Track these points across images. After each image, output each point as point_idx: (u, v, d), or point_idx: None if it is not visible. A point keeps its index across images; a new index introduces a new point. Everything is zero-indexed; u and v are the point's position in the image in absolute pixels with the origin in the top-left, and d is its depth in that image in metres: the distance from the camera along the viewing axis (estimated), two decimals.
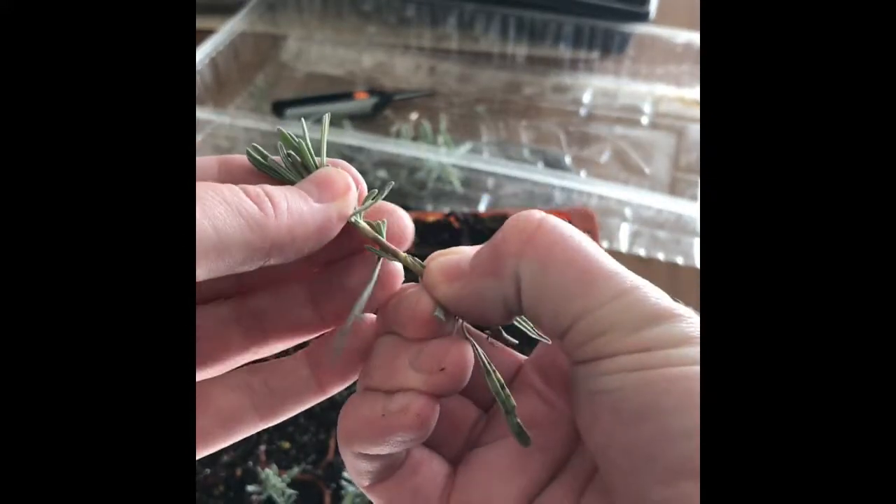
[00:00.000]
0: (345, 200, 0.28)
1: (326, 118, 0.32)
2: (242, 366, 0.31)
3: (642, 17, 1.01)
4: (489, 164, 0.79)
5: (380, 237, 0.29)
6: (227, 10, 1.05)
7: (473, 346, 0.28)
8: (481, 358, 0.28)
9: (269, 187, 0.27)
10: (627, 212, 0.78)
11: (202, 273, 0.24)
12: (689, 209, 0.73)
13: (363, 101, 0.98)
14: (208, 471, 0.62)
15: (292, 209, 0.26)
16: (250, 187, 0.26)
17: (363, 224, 0.29)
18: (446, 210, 0.77)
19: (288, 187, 0.27)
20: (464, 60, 1.08)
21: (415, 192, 0.84)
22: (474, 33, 1.08)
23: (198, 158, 0.29)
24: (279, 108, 0.97)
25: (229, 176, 0.29)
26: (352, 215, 0.29)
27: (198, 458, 0.28)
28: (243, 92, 1.02)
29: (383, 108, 1.00)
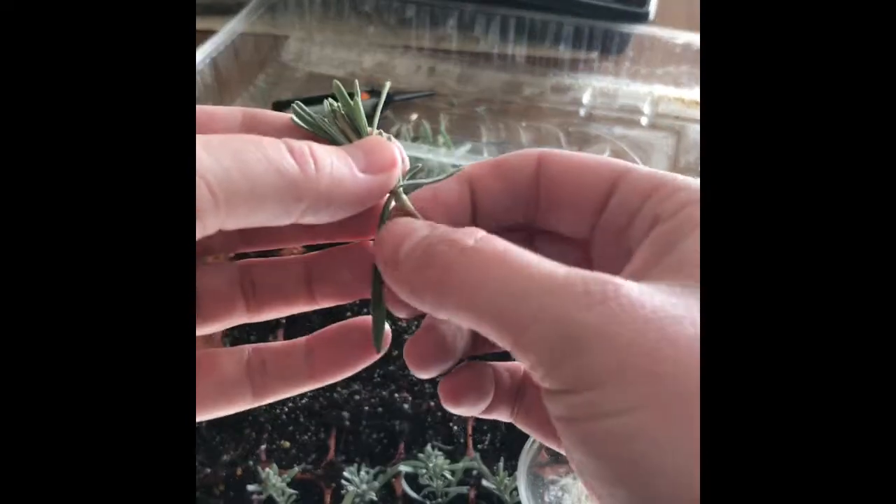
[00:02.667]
0: (390, 174, 0.28)
1: (387, 85, 0.32)
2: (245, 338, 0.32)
3: (642, 17, 1.01)
4: None
5: (417, 214, 0.29)
6: (228, 11, 1.05)
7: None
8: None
9: (315, 146, 0.26)
10: None
11: (234, 223, 0.24)
12: None
13: (363, 101, 0.99)
14: (208, 470, 0.62)
15: (335, 174, 0.26)
16: (295, 143, 0.26)
17: (405, 199, 0.29)
18: None
19: (335, 149, 0.27)
20: (464, 61, 1.08)
21: None
22: (474, 34, 1.08)
23: (219, 108, 0.29)
24: (280, 109, 0.97)
25: (255, 130, 0.28)
26: (393, 189, 0.29)
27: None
28: (244, 92, 1.02)
29: (383, 109, 1.00)
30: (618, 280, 0.23)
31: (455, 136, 0.91)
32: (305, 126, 0.29)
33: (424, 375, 0.31)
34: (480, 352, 0.32)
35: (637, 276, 0.24)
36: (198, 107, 0.29)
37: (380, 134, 0.30)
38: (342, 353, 0.32)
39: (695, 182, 0.26)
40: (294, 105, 0.29)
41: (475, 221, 0.30)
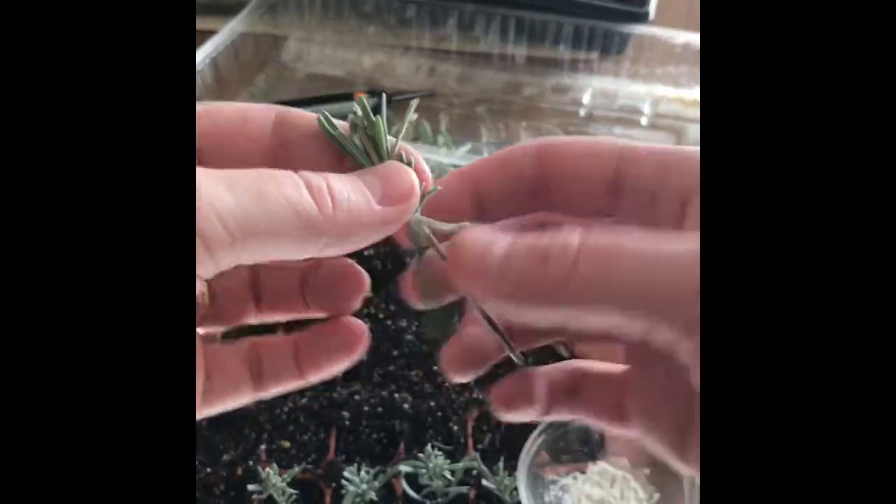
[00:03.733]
0: (406, 205, 0.28)
1: (414, 102, 0.32)
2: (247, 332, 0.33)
3: (642, 17, 1.01)
4: None
5: (435, 242, 0.29)
6: (228, 11, 1.05)
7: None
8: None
9: (332, 180, 0.26)
10: None
11: (250, 258, 0.25)
12: None
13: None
14: (209, 470, 0.62)
15: (352, 209, 0.26)
16: (314, 180, 0.26)
17: (424, 228, 0.29)
18: None
19: (352, 180, 0.27)
20: (464, 61, 1.08)
21: None
22: (474, 34, 1.08)
23: (254, 107, 0.29)
24: None
25: (284, 135, 0.29)
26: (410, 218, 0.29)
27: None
28: (243, 92, 1.02)
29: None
30: None
31: (455, 136, 0.91)
32: (329, 138, 0.29)
33: (461, 380, 0.32)
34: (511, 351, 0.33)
35: None
36: (231, 106, 0.29)
37: (400, 158, 0.30)
38: (325, 352, 0.32)
39: (692, 149, 0.28)
40: (320, 116, 0.29)
41: (480, 219, 0.30)
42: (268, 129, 0.29)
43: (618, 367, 0.32)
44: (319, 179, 0.26)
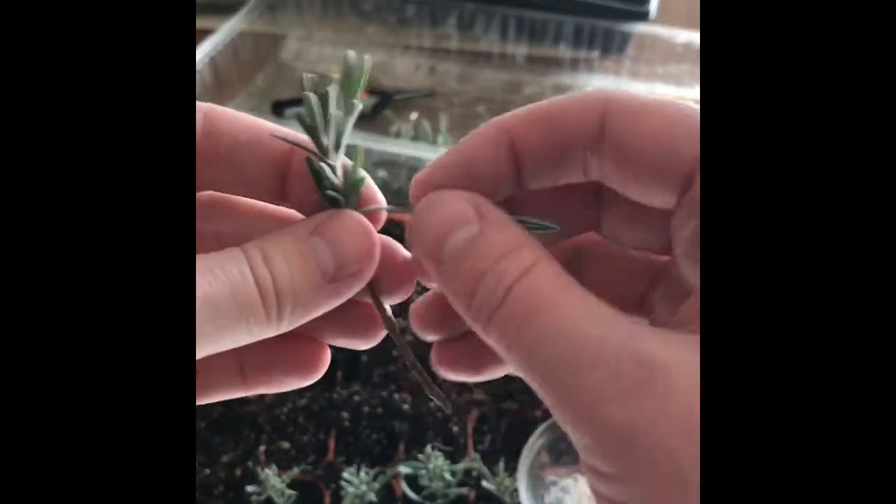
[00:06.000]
0: (362, 273, 0.26)
1: (361, 153, 0.27)
2: None
3: (642, 16, 1.01)
4: None
5: (389, 312, 0.28)
6: (227, 10, 1.04)
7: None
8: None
9: (276, 267, 0.24)
10: None
11: (204, 351, 0.23)
12: None
13: (363, 100, 0.98)
14: (208, 471, 0.62)
15: (298, 298, 0.25)
16: (259, 275, 0.24)
17: (378, 298, 0.27)
18: None
19: (299, 255, 0.25)
20: (464, 60, 1.08)
21: None
22: (474, 33, 1.08)
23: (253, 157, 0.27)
24: (279, 108, 0.97)
25: (214, 140, 0.27)
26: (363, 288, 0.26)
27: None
28: (243, 92, 1.02)
29: (383, 108, 1.00)
30: (657, 358, 0.21)
31: (455, 136, 0.90)
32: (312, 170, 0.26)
33: (431, 338, 0.29)
34: None
35: None
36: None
37: (356, 206, 0.27)
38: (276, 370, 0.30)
39: None
40: (307, 160, 0.26)
41: (519, 185, 0.26)
42: (198, 128, 0.27)
43: None
44: (265, 274, 0.24)
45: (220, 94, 0.99)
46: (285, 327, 0.25)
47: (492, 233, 0.24)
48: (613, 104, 0.25)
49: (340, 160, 0.26)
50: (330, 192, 0.26)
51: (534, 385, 0.23)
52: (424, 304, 0.29)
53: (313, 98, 0.25)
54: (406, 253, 0.28)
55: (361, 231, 0.26)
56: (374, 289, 0.27)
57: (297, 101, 0.99)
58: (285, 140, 0.27)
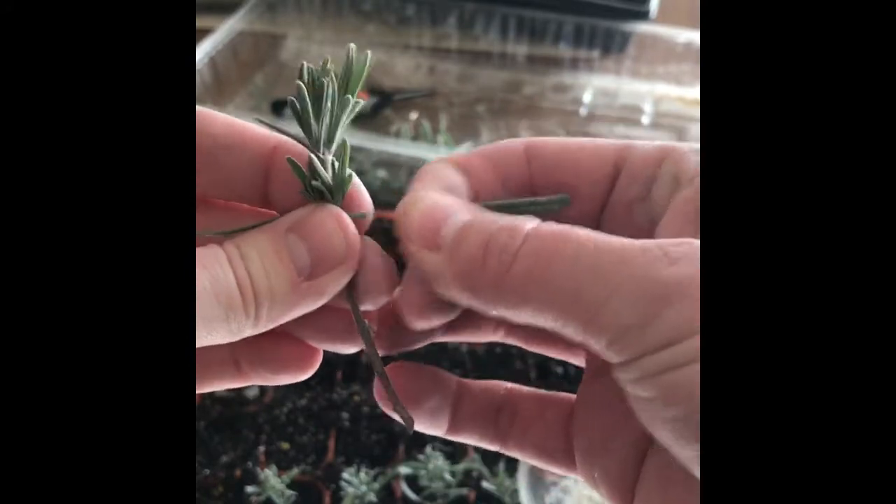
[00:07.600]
0: (337, 276, 0.25)
1: (347, 151, 0.26)
2: None
3: (643, 15, 1.01)
4: None
5: (361, 319, 0.27)
6: (227, 9, 1.04)
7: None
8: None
9: (258, 282, 0.24)
10: None
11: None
12: None
13: (363, 101, 0.99)
14: (207, 471, 0.62)
15: (275, 302, 0.24)
16: (242, 285, 0.24)
17: (352, 306, 0.27)
18: None
19: (275, 253, 0.25)
20: (464, 60, 1.07)
21: None
22: (474, 33, 1.07)
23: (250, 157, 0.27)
24: (278, 108, 0.97)
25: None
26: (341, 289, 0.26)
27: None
28: (242, 91, 1.01)
29: (383, 108, 1.00)
30: (689, 238, 0.22)
31: (455, 135, 0.90)
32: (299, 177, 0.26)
33: (424, 326, 0.27)
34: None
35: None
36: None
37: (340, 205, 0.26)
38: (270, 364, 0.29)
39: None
40: (289, 160, 0.26)
41: None
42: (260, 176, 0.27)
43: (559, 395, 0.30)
44: (241, 269, 0.24)
45: (220, 94, 0.99)
46: (264, 326, 0.25)
47: (485, 214, 0.25)
48: (532, 146, 0.28)
49: (331, 155, 0.26)
50: (315, 184, 0.25)
51: (556, 323, 0.23)
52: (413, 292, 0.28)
53: (305, 87, 0.25)
54: (385, 255, 0.27)
55: (339, 228, 0.25)
56: (351, 292, 0.27)
57: None
58: (271, 126, 0.26)
